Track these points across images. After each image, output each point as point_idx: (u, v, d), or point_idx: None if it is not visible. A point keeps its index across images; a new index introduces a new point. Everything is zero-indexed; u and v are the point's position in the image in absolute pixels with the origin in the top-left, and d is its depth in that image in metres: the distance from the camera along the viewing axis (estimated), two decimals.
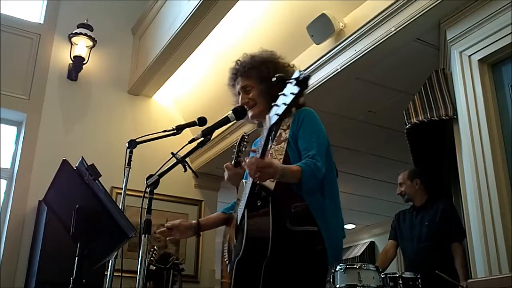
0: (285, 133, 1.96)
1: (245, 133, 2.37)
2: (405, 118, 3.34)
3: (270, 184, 1.86)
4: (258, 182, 1.83)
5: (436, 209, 3.50)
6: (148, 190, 2.00)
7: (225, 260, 2.21)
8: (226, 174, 2.33)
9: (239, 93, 2.14)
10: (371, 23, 3.38)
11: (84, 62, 5.26)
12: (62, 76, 5.25)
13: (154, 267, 4.30)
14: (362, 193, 6.88)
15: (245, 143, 2.30)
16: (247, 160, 1.70)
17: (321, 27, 3.63)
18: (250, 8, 4.23)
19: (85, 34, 5.20)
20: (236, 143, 2.38)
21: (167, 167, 2.06)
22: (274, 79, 1.70)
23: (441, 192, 3.89)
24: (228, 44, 4.62)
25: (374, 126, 4.67)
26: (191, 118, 2.66)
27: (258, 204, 1.86)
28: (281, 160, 1.86)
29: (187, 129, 2.56)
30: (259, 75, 2.07)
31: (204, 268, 5.35)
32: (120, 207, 2.31)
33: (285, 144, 1.91)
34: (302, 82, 1.43)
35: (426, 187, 3.66)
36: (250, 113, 2.11)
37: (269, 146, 1.92)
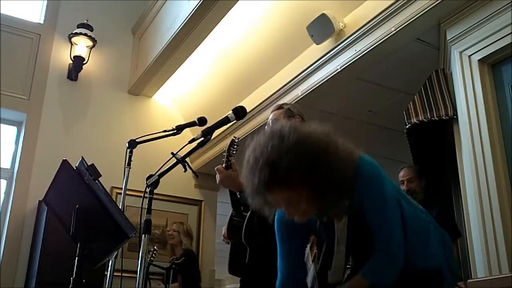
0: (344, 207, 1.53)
1: (234, 137, 2.37)
2: (405, 118, 3.34)
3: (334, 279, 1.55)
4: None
5: (431, 210, 3.50)
6: (148, 190, 2.00)
7: None
8: (218, 177, 2.35)
9: (274, 204, 1.49)
10: (371, 23, 3.38)
11: (84, 62, 5.26)
12: (62, 76, 5.25)
13: (177, 266, 4.29)
14: None
15: (235, 147, 2.30)
16: None
17: (321, 27, 3.63)
18: (250, 8, 4.23)
19: (85, 34, 5.20)
20: (226, 147, 2.38)
21: (167, 167, 2.06)
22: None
23: (440, 192, 3.88)
24: (228, 44, 4.62)
25: (374, 126, 4.67)
26: (191, 118, 2.66)
27: None
28: (344, 241, 1.52)
29: (187, 129, 2.56)
30: (305, 187, 1.40)
31: (204, 268, 5.35)
32: (120, 207, 2.31)
33: (346, 218, 1.54)
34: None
35: (427, 186, 3.66)
36: (298, 220, 1.50)
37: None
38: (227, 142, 5.32)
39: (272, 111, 2.80)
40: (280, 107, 2.80)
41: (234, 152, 2.31)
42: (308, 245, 1.62)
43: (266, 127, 2.77)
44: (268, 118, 2.79)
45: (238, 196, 2.39)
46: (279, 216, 1.65)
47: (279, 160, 1.36)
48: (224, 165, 2.34)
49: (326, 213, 1.53)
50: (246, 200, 2.24)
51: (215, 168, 2.34)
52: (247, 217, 2.34)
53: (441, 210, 3.47)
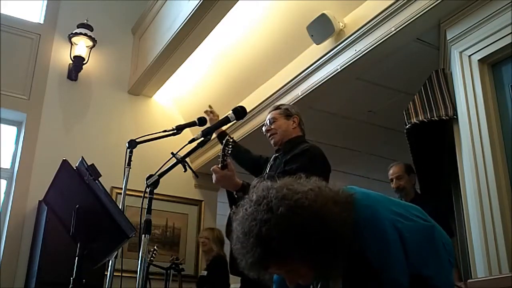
0: None
1: (229, 136, 2.37)
2: (405, 118, 3.34)
3: None
4: None
5: (424, 208, 3.48)
6: (148, 190, 2.00)
7: None
8: (214, 177, 2.34)
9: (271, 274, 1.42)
10: (371, 23, 3.38)
11: (84, 62, 5.26)
12: (62, 76, 5.25)
13: (206, 272, 4.31)
14: None
15: (230, 146, 2.30)
16: None
17: (321, 27, 3.63)
18: (250, 8, 4.23)
19: (85, 34, 5.20)
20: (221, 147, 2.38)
21: (167, 167, 2.06)
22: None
23: (440, 192, 3.88)
24: (228, 44, 4.62)
25: (374, 126, 4.67)
26: (191, 118, 2.67)
27: None
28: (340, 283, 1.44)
29: (187, 129, 2.57)
30: (305, 258, 1.30)
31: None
32: (120, 207, 2.31)
33: (340, 282, 1.45)
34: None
35: (421, 184, 3.65)
36: (302, 283, 1.43)
37: None
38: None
39: (270, 112, 2.81)
40: (277, 107, 2.80)
41: (230, 152, 2.31)
42: None
43: (263, 128, 2.77)
44: (266, 119, 2.80)
45: (235, 195, 2.39)
46: (277, 279, 1.56)
47: (270, 239, 1.25)
48: (220, 165, 2.33)
49: (328, 276, 1.43)
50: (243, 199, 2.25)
51: (211, 169, 2.34)
52: None
53: (432, 210, 3.47)
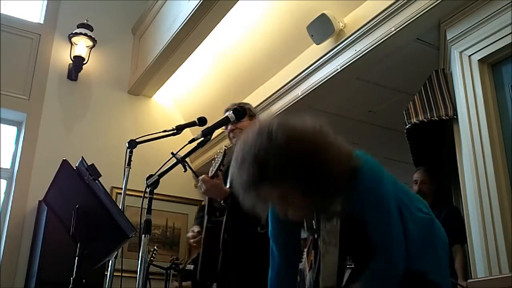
0: (335, 207, 1.46)
1: (225, 146, 2.36)
2: (405, 118, 3.34)
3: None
4: None
5: (440, 212, 3.51)
6: (148, 190, 2.00)
7: None
8: (203, 187, 2.32)
9: (266, 201, 1.44)
10: (371, 23, 3.38)
11: (84, 62, 5.26)
12: (62, 76, 5.26)
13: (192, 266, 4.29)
14: None
15: (225, 156, 2.30)
16: None
17: (321, 27, 3.63)
18: (250, 8, 4.23)
19: (85, 34, 5.20)
20: (218, 156, 2.35)
21: (167, 167, 2.06)
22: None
23: (440, 192, 3.88)
24: (228, 44, 4.62)
25: (374, 126, 4.67)
26: (191, 118, 2.66)
27: None
28: (337, 243, 1.45)
29: (187, 129, 2.56)
30: (297, 186, 1.35)
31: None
32: (120, 207, 2.31)
33: (338, 220, 1.46)
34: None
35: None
36: (292, 218, 1.48)
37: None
38: (227, 142, 5.32)
39: (229, 110, 2.78)
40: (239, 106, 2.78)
41: (224, 162, 2.33)
42: (305, 250, 1.59)
43: (228, 127, 2.73)
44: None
45: (222, 203, 2.38)
46: (272, 212, 1.60)
47: (267, 162, 1.31)
48: (210, 174, 2.33)
49: (319, 214, 1.48)
50: (226, 206, 2.27)
51: (201, 179, 2.32)
52: (223, 220, 2.37)
53: (449, 211, 3.49)
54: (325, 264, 1.47)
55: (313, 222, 1.52)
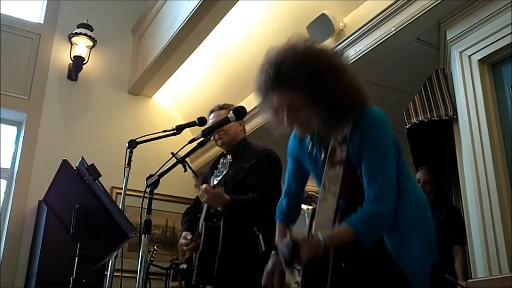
0: (342, 150, 1.52)
1: (230, 158, 2.37)
2: (405, 118, 3.34)
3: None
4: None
5: (441, 211, 3.51)
6: (148, 190, 2.00)
7: None
8: (205, 197, 2.35)
9: (277, 109, 1.53)
10: (371, 23, 3.38)
11: (84, 62, 5.26)
12: (62, 76, 5.26)
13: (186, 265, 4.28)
14: None
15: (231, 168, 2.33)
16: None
17: (321, 27, 3.63)
18: (250, 8, 4.23)
19: (85, 34, 5.20)
20: (223, 166, 2.36)
21: (167, 167, 2.06)
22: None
23: (441, 192, 3.89)
24: (228, 44, 4.62)
25: None
26: (191, 118, 2.66)
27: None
28: (336, 193, 1.51)
29: (187, 129, 2.57)
30: (309, 93, 1.45)
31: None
32: (120, 207, 2.31)
33: (341, 168, 1.51)
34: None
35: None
36: (298, 133, 1.58)
37: (322, 163, 1.59)
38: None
39: (215, 111, 2.79)
40: (222, 107, 2.79)
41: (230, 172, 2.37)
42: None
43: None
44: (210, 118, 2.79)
45: (219, 209, 2.43)
46: (292, 138, 1.73)
47: (283, 66, 1.44)
48: (212, 184, 2.36)
49: (327, 132, 1.55)
50: (222, 212, 2.34)
51: (202, 188, 2.35)
52: (221, 225, 2.43)
53: (450, 212, 3.49)
54: (321, 211, 1.53)
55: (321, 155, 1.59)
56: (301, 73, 1.43)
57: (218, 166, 2.41)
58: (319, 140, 1.61)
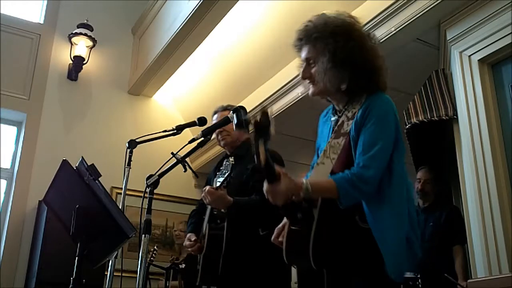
0: (348, 124, 1.62)
1: (232, 159, 2.37)
2: (405, 118, 3.34)
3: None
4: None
5: (441, 211, 3.52)
6: (148, 190, 2.00)
7: None
8: (208, 198, 2.35)
9: (303, 62, 1.75)
10: (371, 23, 3.38)
11: (84, 62, 5.26)
12: (62, 76, 5.26)
13: (184, 265, 4.28)
14: None
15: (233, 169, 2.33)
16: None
17: None
18: (250, 8, 4.22)
19: (85, 34, 5.20)
20: (225, 168, 2.38)
21: (167, 167, 2.06)
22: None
23: (442, 193, 3.89)
24: (228, 44, 4.62)
25: None
26: (191, 118, 2.66)
27: (299, 216, 1.62)
28: (334, 160, 1.59)
29: (187, 129, 2.56)
30: (328, 46, 1.63)
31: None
32: (120, 207, 2.31)
33: (344, 140, 1.60)
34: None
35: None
36: (310, 91, 1.73)
37: (328, 137, 1.69)
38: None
39: (218, 112, 2.79)
40: (226, 108, 2.78)
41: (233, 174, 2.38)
42: None
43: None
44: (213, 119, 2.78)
45: (223, 211, 2.43)
46: (322, 115, 1.87)
47: (315, 27, 1.70)
48: (216, 185, 2.37)
49: (340, 103, 1.69)
50: (226, 213, 2.36)
51: (206, 190, 2.35)
52: (225, 226, 2.43)
53: (450, 212, 3.50)
54: (316, 171, 1.62)
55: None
56: (320, 36, 1.65)
57: (221, 168, 2.41)
58: (334, 114, 1.75)
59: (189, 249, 2.64)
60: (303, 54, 1.72)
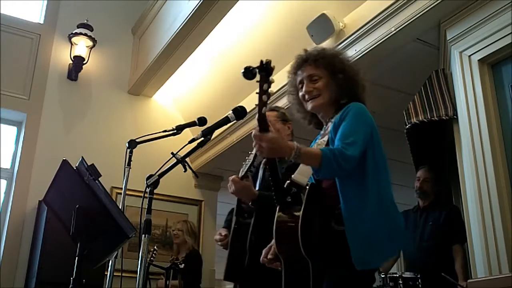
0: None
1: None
2: (405, 118, 3.34)
3: (302, 179, 1.76)
4: (291, 177, 1.77)
5: (441, 211, 3.51)
6: (148, 190, 2.00)
7: None
8: (232, 188, 2.33)
9: (301, 82, 1.99)
10: (371, 23, 3.38)
11: (84, 62, 5.26)
12: (62, 76, 5.26)
13: (184, 264, 4.28)
14: None
15: (256, 158, 2.30)
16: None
17: (321, 27, 3.63)
18: (250, 8, 4.23)
19: (85, 34, 5.20)
20: (249, 157, 2.35)
21: (167, 167, 2.06)
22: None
23: (442, 192, 3.89)
24: (228, 44, 4.62)
25: None
26: (191, 118, 2.66)
27: (289, 200, 1.80)
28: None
29: (187, 129, 2.56)
30: (330, 66, 1.96)
31: (204, 268, 5.35)
32: (120, 207, 2.31)
33: (327, 138, 1.84)
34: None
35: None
36: (310, 104, 1.96)
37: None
38: (227, 142, 5.33)
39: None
40: (273, 109, 2.77)
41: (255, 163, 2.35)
42: None
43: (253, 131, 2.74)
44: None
45: (250, 205, 2.40)
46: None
47: (316, 51, 2.01)
48: (240, 175, 2.33)
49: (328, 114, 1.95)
50: (254, 208, 2.35)
51: (231, 179, 2.32)
52: (252, 223, 2.38)
53: (450, 211, 3.50)
54: (302, 166, 1.80)
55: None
56: (323, 57, 1.97)
57: (246, 158, 2.39)
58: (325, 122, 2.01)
59: (219, 243, 2.63)
60: (305, 73, 1.97)
